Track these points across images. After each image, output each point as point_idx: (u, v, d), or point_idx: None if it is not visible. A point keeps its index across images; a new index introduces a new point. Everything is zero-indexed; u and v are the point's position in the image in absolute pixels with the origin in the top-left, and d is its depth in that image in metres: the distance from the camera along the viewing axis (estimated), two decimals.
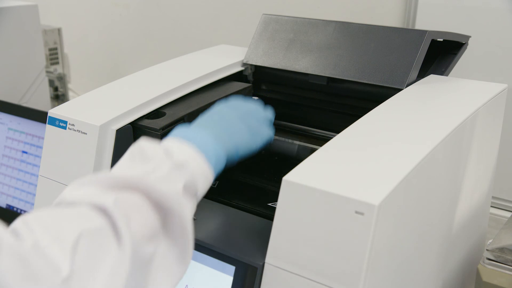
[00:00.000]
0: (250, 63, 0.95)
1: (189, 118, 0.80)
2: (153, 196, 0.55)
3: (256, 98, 0.90)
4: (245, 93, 0.91)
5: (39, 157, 1.18)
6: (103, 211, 0.52)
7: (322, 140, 0.80)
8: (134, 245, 0.51)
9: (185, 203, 0.57)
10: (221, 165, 0.64)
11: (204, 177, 0.60)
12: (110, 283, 0.49)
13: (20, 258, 0.46)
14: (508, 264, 0.72)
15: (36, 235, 0.48)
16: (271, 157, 0.90)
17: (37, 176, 0.82)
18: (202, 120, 0.67)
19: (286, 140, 0.90)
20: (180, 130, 0.64)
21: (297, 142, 0.89)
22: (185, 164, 0.58)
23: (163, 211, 0.55)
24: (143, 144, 0.60)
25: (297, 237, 0.57)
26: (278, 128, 0.88)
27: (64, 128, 0.77)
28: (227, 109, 0.69)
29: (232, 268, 0.63)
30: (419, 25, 1.35)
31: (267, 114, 0.74)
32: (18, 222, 0.50)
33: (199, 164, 0.60)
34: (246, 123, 0.69)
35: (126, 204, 0.53)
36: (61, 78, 1.75)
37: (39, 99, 1.61)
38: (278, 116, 0.90)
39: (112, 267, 0.49)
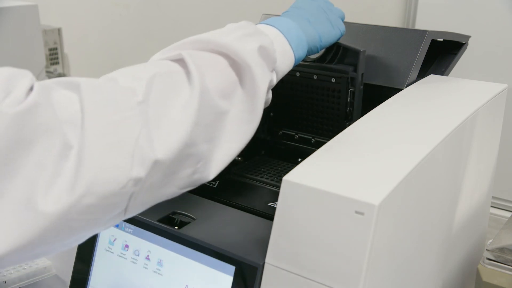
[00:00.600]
0: None
1: None
2: (227, 54, 0.58)
3: None
4: None
5: None
6: (179, 61, 0.56)
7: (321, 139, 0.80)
8: (205, 92, 0.54)
9: (260, 62, 0.59)
10: (303, 50, 0.68)
11: (284, 54, 0.64)
12: (181, 115, 0.52)
13: (98, 89, 0.49)
14: (508, 264, 0.72)
15: (116, 78, 0.52)
16: (271, 157, 0.90)
17: None
18: (287, 11, 0.72)
19: (287, 141, 0.90)
20: (267, 19, 0.68)
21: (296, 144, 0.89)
22: (264, 32, 0.63)
23: (238, 69, 0.58)
24: (246, 24, 0.64)
25: (297, 237, 0.57)
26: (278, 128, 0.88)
27: None
28: (309, 1, 0.74)
29: (232, 268, 0.63)
30: (419, 25, 1.35)
31: (340, 10, 0.79)
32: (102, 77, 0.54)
33: (280, 43, 0.64)
34: (326, 15, 0.74)
35: (201, 59, 0.56)
36: None
37: None
38: (278, 116, 0.90)
39: (183, 103, 0.52)
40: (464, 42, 0.92)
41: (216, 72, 0.56)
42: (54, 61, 1.77)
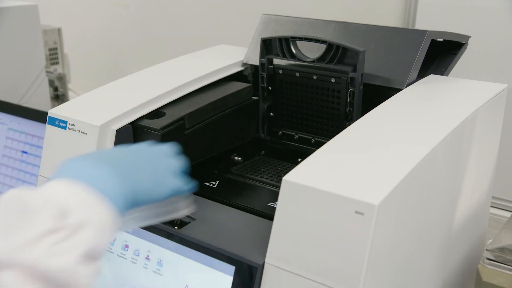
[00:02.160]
0: (250, 63, 0.95)
1: (189, 118, 0.80)
2: (38, 273, 0.44)
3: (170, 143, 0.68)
4: (245, 93, 0.91)
5: (39, 157, 1.18)
6: None
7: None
8: None
9: (84, 273, 0.46)
10: (122, 211, 0.53)
11: (108, 231, 0.49)
12: None
13: None
14: (508, 264, 0.72)
15: None
16: (271, 157, 0.90)
17: (37, 176, 0.82)
18: (100, 154, 0.57)
19: (287, 142, 0.90)
20: (73, 166, 0.52)
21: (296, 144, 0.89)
22: (85, 224, 0.47)
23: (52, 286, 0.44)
24: (25, 196, 0.47)
25: (297, 237, 0.57)
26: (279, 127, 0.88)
27: (64, 128, 0.77)
28: (128, 150, 0.59)
29: (232, 268, 0.63)
30: (419, 25, 1.35)
31: (176, 162, 0.62)
32: None
33: (103, 218, 0.48)
34: (152, 167, 0.58)
35: None
36: (61, 78, 1.75)
37: (39, 99, 1.61)
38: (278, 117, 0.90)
39: None
40: (464, 42, 0.92)
41: None
42: (54, 61, 1.77)
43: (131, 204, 0.55)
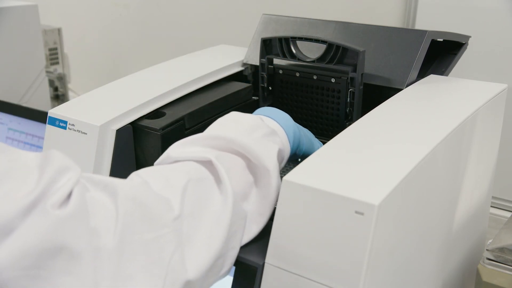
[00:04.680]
0: (250, 63, 0.95)
1: (189, 118, 0.80)
2: (247, 156, 0.58)
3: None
4: (245, 93, 0.91)
5: None
6: (207, 164, 0.55)
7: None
8: (235, 202, 0.54)
9: (276, 165, 0.60)
10: (294, 147, 0.68)
11: (284, 149, 0.64)
12: (214, 229, 0.52)
13: (135, 200, 0.48)
14: (508, 264, 0.72)
15: (149, 182, 0.52)
16: None
17: None
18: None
19: None
20: (262, 109, 0.68)
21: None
22: (275, 131, 0.63)
23: (255, 170, 0.58)
24: (234, 114, 0.64)
25: (297, 237, 0.57)
26: None
27: (64, 128, 0.77)
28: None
29: (232, 268, 0.63)
30: (419, 25, 1.35)
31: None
32: (131, 175, 0.54)
33: (282, 136, 0.64)
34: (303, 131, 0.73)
35: (226, 162, 0.56)
36: (61, 78, 1.75)
37: (39, 99, 1.61)
38: None
39: (216, 215, 0.52)
40: (464, 42, 0.92)
41: (237, 176, 0.57)
42: (54, 61, 1.77)
43: (303, 148, 0.70)
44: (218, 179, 0.54)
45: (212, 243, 0.52)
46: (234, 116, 0.64)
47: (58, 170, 0.45)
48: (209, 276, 0.53)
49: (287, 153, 0.65)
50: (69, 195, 0.45)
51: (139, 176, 0.53)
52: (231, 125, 0.62)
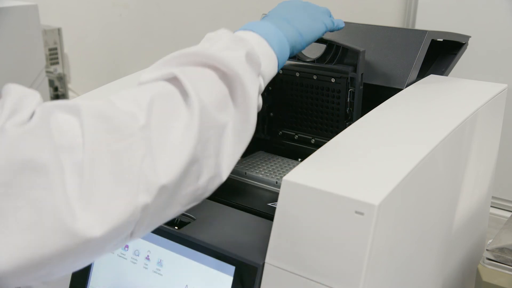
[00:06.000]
0: None
1: None
2: (215, 65, 0.57)
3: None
4: None
5: None
6: (174, 80, 0.55)
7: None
8: (203, 109, 0.54)
9: (248, 69, 0.59)
10: (285, 50, 0.67)
11: (267, 57, 0.63)
12: (183, 136, 0.52)
13: (100, 115, 0.49)
14: (508, 264, 0.72)
15: (113, 100, 0.52)
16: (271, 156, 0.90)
17: None
18: (265, 16, 0.72)
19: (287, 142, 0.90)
20: (244, 25, 0.67)
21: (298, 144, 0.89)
22: (245, 38, 0.62)
23: (228, 80, 0.58)
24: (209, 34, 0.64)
25: (297, 237, 0.57)
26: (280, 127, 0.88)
27: None
28: (287, 2, 0.74)
29: (232, 268, 0.63)
30: (419, 25, 1.35)
31: (324, 7, 0.77)
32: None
33: (262, 46, 0.63)
34: (306, 11, 0.72)
35: (193, 75, 0.56)
36: (61, 78, 1.75)
37: None
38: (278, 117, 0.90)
39: (184, 123, 0.52)
40: (464, 42, 0.92)
41: (209, 87, 0.56)
42: (54, 61, 1.77)
43: (299, 41, 0.69)
44: (184, 93, 0.55)
45: (182, 148, 0.52)
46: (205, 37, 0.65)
47: (19, 98, 0.47)
48: (185, 183, 0.53)
49: (267, 57, 0.64)
50: (31, 117, 0.46)
51: (105, 99, 0.54)
52: (199, 44, 0.63)
